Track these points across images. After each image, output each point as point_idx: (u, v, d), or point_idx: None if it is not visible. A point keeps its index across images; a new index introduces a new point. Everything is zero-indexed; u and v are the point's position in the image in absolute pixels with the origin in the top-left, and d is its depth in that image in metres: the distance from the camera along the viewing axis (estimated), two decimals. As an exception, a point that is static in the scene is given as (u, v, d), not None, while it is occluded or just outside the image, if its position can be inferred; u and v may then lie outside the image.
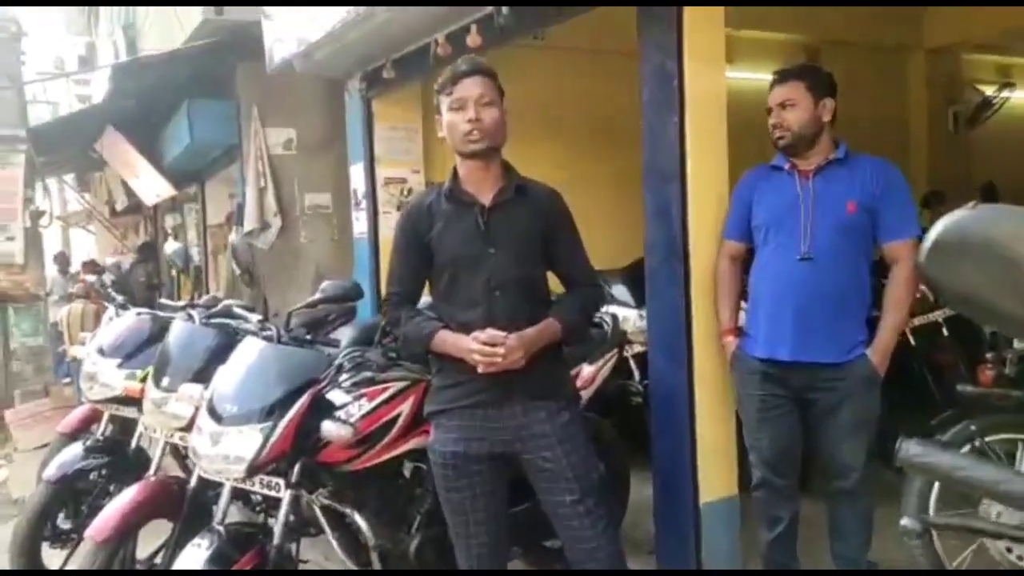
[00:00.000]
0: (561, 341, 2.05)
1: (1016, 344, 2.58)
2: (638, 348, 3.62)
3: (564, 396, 2.07)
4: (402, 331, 2.02)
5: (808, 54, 5.81)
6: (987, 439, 2.26)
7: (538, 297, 2.06)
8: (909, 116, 6.31)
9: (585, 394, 2.86)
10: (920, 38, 6.09)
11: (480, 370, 1.88)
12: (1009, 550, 2.19)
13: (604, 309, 3.62)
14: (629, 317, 3.65)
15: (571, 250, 2.12)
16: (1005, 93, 6.53)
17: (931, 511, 2.14)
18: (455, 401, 1.98)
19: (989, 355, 2.45)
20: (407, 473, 2.48)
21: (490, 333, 1.87)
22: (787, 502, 2.58)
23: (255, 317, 2.73)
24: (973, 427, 2.27)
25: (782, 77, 2.53)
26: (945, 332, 3.61)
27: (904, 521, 0.83)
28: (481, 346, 1.86)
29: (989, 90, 6.52)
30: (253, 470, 2.17)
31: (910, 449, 0.84)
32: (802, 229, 2.39)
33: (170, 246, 3.61)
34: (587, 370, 2.88)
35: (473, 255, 1.96)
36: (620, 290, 3.81)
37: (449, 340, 1.94)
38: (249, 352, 2.39)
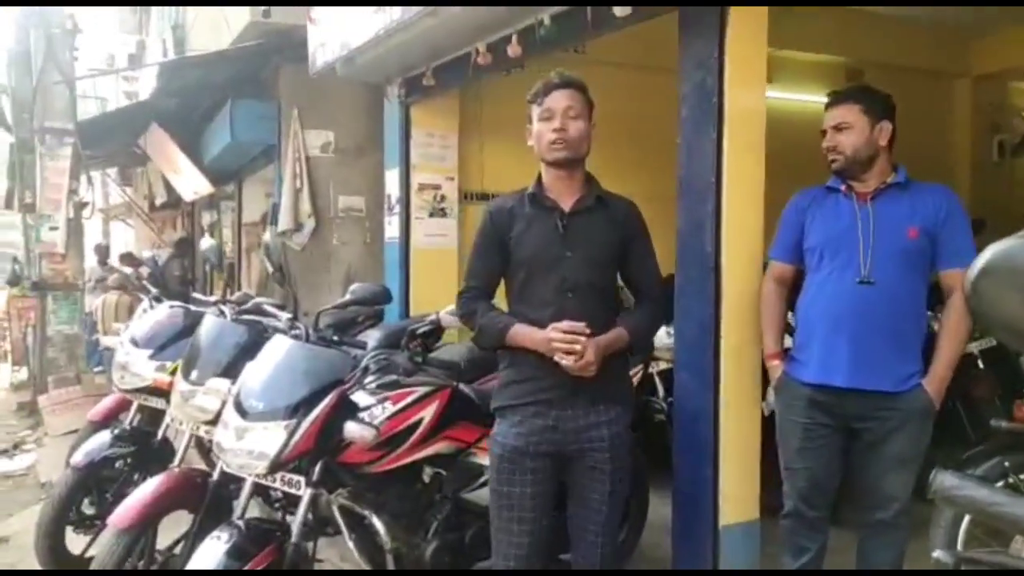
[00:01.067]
0: (627, 350, 2.13)
1: (1056, 380, 2.50)
2: (664, 365, 3.59)
3: (624, 403, 2.16)
4: (479, 323, 2.09)
5: (851, 76, 5.74)
6: (1021, 476, 2.19)
7: (607, 303, 2.13)
8: (953, 143, 6.19)
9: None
10: (967, 65, 5.98)
11: (557, 358, 1.95)
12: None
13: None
14: (657, 333, 3.62)
15: (643, 262, 2.20)
16: (1053, 123, 6.37)
17: (960, 545, 2.08)
18: (522, 397, 2.05)
19: (1026, 391, 2.38)
20: (427, 478, 2.48)
21: (570, 324, 1.95)
22: (816, 534, 2.51)
23: (285, 315, 2.76)
24: (1007, 463, 2.21)
25: (837, 99, 2.47)
26: (980, 364, 3.52)
27: (937, 554, 0.81)
28: (562, 334, 1.94)
29: (1036, 120, 6.37)
30: (275, 467, 2.18)
31: (945, 481, 0.82)
32: (861, 253, 2.32)
33: (204, 242, 3.67)
34: (612, 385, 2.85)
35: (550, 257, 2.05)
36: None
37: (523, 332, 2.02)
38: (277, 350, 2.41)
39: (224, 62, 5.85)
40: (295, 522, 2.22)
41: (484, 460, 2.50)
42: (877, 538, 2.43)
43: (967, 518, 2.15)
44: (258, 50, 5.61)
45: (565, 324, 1.95)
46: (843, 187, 2.44)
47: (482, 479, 2.48)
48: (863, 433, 2.37)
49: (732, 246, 2.67)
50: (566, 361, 1.93)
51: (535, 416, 2.03)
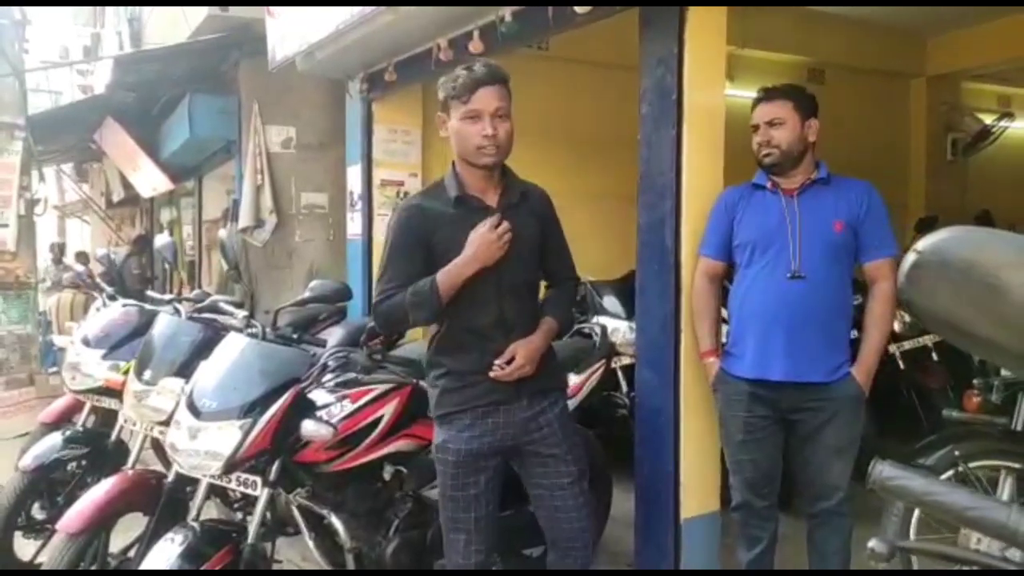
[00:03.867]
0: (557, 336, 2.17)
1: (1003, 372, 2.57)
2: (627, 360, 3.61)
3: (560, 387, 2.22)
4: (408, 301, 1.96)
5: (811, 76, 5.84)
6: (970, 465, 2.25)
7: (536, 294, 2.18)
8: (909, 141, 6.33)
9: (571, 404, 2.84)
10: (923, 65, 6.12)
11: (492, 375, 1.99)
12: (987, 579, 2.18)
13: (594, 320, 3.62)
14: (619, 329, 3.64)
15: (559, 248, 2.22)
16: (1004, 123, 6.54)
17: (911, 535, 2.13)
18: (469, 402, 2.02)
19: (976, 381, 2.44)
20: (387, 476, 2.45)
21: (499, 363, 1.98)
22: (767, 523, 2.56)
23: (241, 313, 2.71)
24: (957, 453, 2.26)
25: (769, 95, 2.52)
26: (934, 356, 3.60)
27: (872, 543, 0.81)
28: (500, 371, 1.98)
29: (988, 119, 6.54)
30: (231, 467, 2.14)
31: (884, 471, 0.82)
32: (791, 248, 2.38)
33: (160, 239, 3.57)
34: (574, 380, 2.86)
35: None
36: (611, 301, 3.81)
37: (449, 270, 1.95)
38: (232, 348, 2.37)
39: (182, 56, 5.72)
40: (252, 523, 2.19)
41: (445, 457, 2.48)
42: (825, 526, 2.49)
43: (918, 509, 2.21)
44: (217, 44, 5.51)
45: (505, 357, 1.98)
46: (769, 184, 2.49)
47: (443, 476, 2.46)
48: (798, 425, 2.43)
49: (692, 243, 2.69)
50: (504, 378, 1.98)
51: (484, 416, 2.02)
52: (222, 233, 4.87)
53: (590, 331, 3.22)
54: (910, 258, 0.71)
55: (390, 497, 2.45)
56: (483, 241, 1.93)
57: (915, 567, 2.30)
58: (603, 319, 3.60)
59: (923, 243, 0.71)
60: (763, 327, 2.41)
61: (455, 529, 2.06)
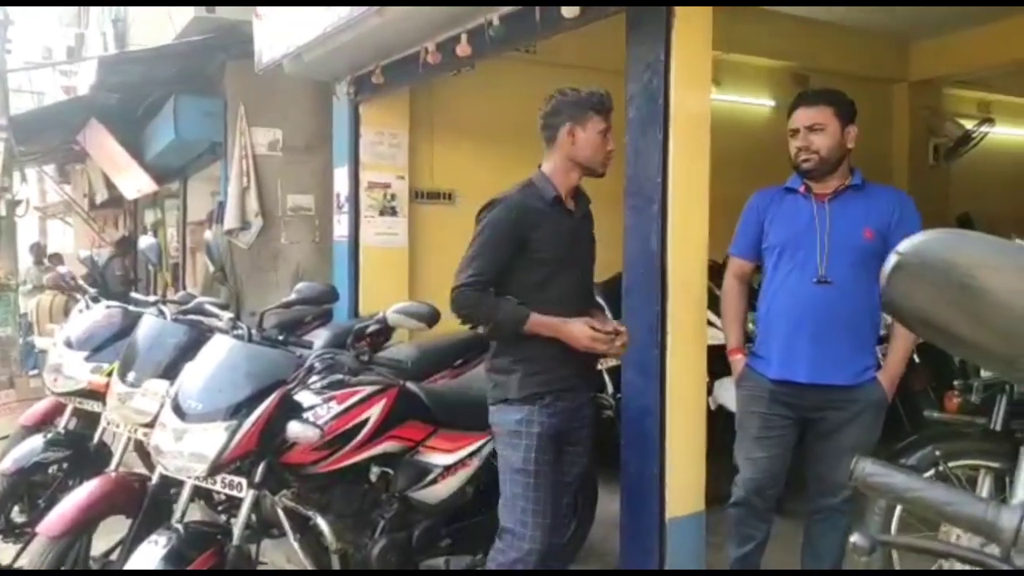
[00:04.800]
0: None
1: (983, 373, 2.61)
2: (613, 362, 3.61)
3: (597, 387, 2.59)
4: (499, 317, 2.19)
5: (796, 81, 5.89)
6: (950, 464, 2.27)
7: None
8: (891, 146, 6.41)
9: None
10: (906, 71, 6.20)
11: (590, 348, 2.21)
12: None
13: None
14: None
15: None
16: (984, 128, 6.64)
17: (893, 531, 2.16)
18: (549, 385, 2.24)
19: (956, 383, 2.47)
20: (373, 478, 2.45)
21: (613, 325, 2.31)
22: (763, 523, 2.59)
23: (227, 315, 2.69)
24: (937, 452, 2.29)
25: (810, 99, 2.50)
26: (916, 359, 3.64)
27: (854, 538, 0.83)
28: (596, 333, 2.20)
29: (969, 124, 6.63)
30: (216, 469, 2.13)
31: (866, 468, 0.83)
32: (819, 253, 2.39)
33: (144, 241, 3.54)
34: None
35: (570, 257, 2.29)
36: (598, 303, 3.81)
37: (547, 322, 2.20)
38: (218, 350, 2.36)
39: (167, 57, 5.68)
40: (237, 524, 2.17)
41: (431, 459, 2.49)
42: (823, 523, 2.53)
43: (900, 506, 2.24)
44: (203, 45, 5.47)
45: (610, 326, 2.28)
46: (802, 188, 2.50)
47: (430, 477, 2.46)
48: (819, 423, 2.46)
49: (678, 246, 2.71)
50: (602, 347, 2.23)
51: (557, 400, 2.24)
52: (208, 235, 4.83)
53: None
54: (891, 260, 0.72)
55: (376, 498, 2.44)
56: (584, 336, 2.20)
57: (896, 565, 2.33)
58: (590, 321, 3.60)
59: (904, 245, 0.72)
60: (789, 330, 2.43)
61: (533, 505, 2.18)
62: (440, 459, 2.49)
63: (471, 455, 2.56)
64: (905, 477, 0.83)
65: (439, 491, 2.47)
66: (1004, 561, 0.73)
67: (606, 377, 3.69)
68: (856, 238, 2.38)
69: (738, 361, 2.61)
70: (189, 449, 2.13)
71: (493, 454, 2.64)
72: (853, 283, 2.37)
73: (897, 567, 2.34)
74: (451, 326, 4.13)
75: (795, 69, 5.87)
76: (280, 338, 2.58)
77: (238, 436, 2.11)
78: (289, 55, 4.38)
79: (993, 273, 0.68)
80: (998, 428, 2.26)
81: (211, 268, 2.98)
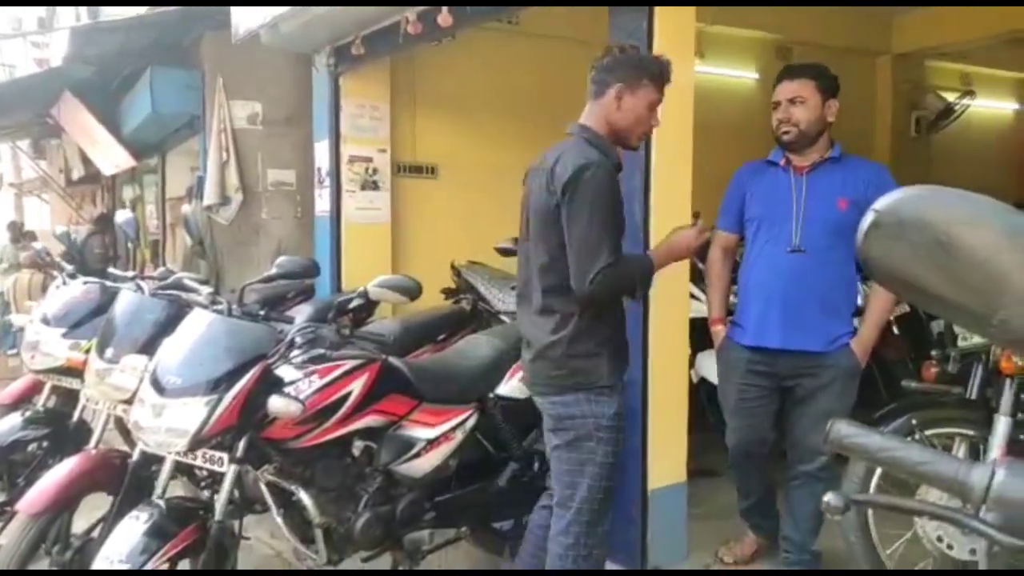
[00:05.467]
0: None
1: (960, 343, 2.64)
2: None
3: None
4: (635, 274, 2.10)
5: (780, 54, 5.87)
6: (927, 433, 2.31)
7: None
8: (875, 118, 6.42)
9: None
10: (888, 43, 6.19)
11: (699, 244, 2.22)
12: (940, 539, 2.25)
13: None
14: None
15: None
16: (966, 100, 6.67)
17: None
18: (625, 368, 2.21)
19: (934, 353, 2.51)
20: (357, 452, 2.44)
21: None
22: (759, 480, 2.74)
23: (206, 290, 2.66)
24: (914, 421, 2.33)
25: (793, 73, 2.55)
26: (895, 330, 3.68)
27: (827, 497, 0.84)
28: (694, 230, 2.18)
29: (951, 97, 6.65)
30: (196, 444, 2.11)
31: (841, 430, 0.84)
32: (794, 223, 2.45)
33: (120, 215, 3.48)
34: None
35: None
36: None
37: (662, 252, 2.17)
38: (196, 324, 2.33)
39: (143, 28, 5.54)
40: (219, 500, 2.16)
41: (415, 432, 2.49)
42: (801, 489, 2.59)
43: (879, 470, 2.27)
44: (179, 16, 5.33)
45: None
46: (782, 160, 2.56)
47: (413, 451, 2.46)
48: (795, 389, 2.54)
49: (661, 218, 2.71)
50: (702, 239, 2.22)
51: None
52: (185, 208, 4.75)
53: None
54: (868, 217, 0.72)
55: (360, 472, 2.44)
56: (691, 238, 2.16)
57: (872, 530, 2.37)
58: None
59: (880, 203, 0.72)
60: (764, 298, 2.52)
61: (612, 491, 2.16)
62: (424, 432, 2.49)
63: (454, 428, 2.56)
64: (880, 438, 0.84)
65: (423, 464, 2.47)
66: (974, 518, 0.74)
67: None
68: (830, 209, 2.43)
69: (718, 332, 2.70)
70: (168, 424, 2.11)
71: (477, 427, 2.66)
72: (826, 252, 2.43)
73: (873, 532, 2.38)
74: (435, 300, 4.14)
75: (779, 41, 5.85)
76: (261, 313, 2.55)
77: (218, 410, 2.10)
78: (265, 25, 4.28)
79: (969, 229, 0.68)
80: (974, 397, 2.30)
81: (190, 242, 2.93)
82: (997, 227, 0.68)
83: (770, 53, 5.84)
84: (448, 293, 4.13)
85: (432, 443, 2.49)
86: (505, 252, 3.89)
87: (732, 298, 2.90)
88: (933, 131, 6.57)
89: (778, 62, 5.79)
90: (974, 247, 0.67)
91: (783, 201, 2.49)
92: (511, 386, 2.72)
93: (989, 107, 7.35)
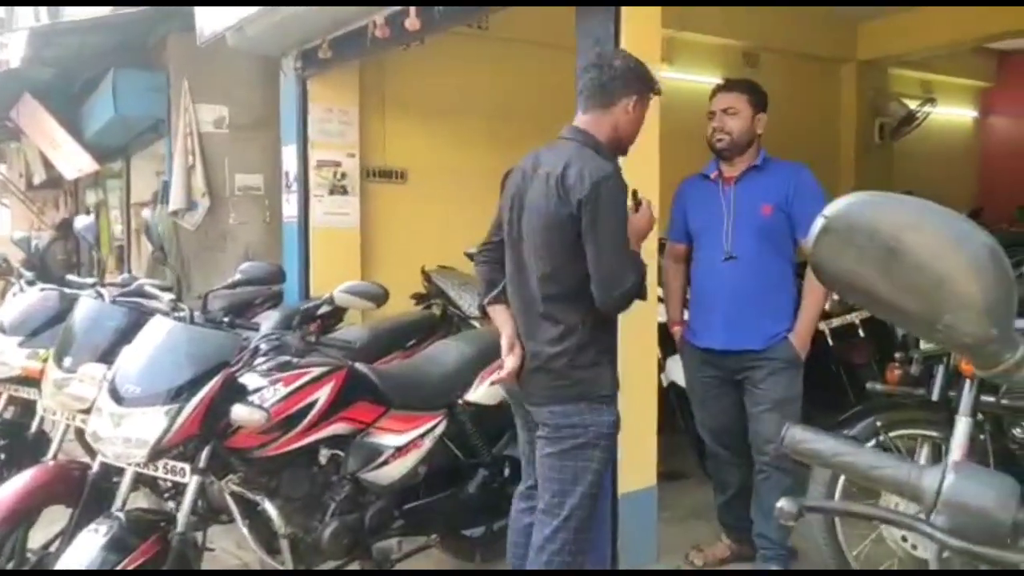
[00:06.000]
0: None
1: (922, 345, 2.68)
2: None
3: None
4: (639, 273, 2.09)
5: (747, 60, 5.94)
6: (891, 434, 2.35)
7: None
8: (839, 125, 6.53)
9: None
10: (853, 50, 6.30)
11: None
12: (904, 539, 2.29)
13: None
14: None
15: None
16: (927, 108, 6.82)
17: (836, 499, 2.22)
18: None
19: (897, 355, 2.54)
20: (323, 460, 2.41)
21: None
22: (735, 470, 2.82)
23: (168, 297, 2.61)
24: (878, 423, 2.36)
25: (729, 87, 2.77)
26: (861, 333, 3.73)
27: (780, 503, 0.84)
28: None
29: (913, 104, 6.79)
30: (157, 454, 2.07)
31: (796, 435, 0.84)
32: (724, 232, 2.63)
33: (80, 220, 3.41)
34: (513, 360, 2.85)
35: None
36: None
37: (632, 236, 2.15)
38: (157, 332, 2.28)
39: (105, 29, 5.43)
40: (181, 511, 2.12)
41: (382, 439, 2.46)
42: (767, 481, 2.67)
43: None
44: (143, 16, 5.24)
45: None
46: (714, 173, 2.75)
47: (381, 458, 2.44)
48: (744, 383, 2.69)
49: (628, 221, 2.71)
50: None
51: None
52: (146, 214, 4.67)
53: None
54: (818, 223, 0.72)
55: (327, 481, 2.41)
56: (645, 217, 2.21)
57: (840, 534, 2.39)
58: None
59: (830, 208, 0.72)
60: (706, 304, 2.73)
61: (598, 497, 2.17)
62: (391, 440, 2.46)
63: (423, 435, 2.54)
64: (834, 442, 0.84)
65: (391, 472, 2.45)
66: (924, 522, 0.74)
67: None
68: (756, 216, 2.61)
69: (676, 332, 2.92)
70: (128, 435, 2.06)
71: (446, 434, 2.64)
72: (758, 257, 2.61)
73: (840, 533, 2.40)
74: (405, 306, 4.11)
75: (746, 48, 5.91)
76: (225, 320, 2.51)
77: (179, 420, 2.05)
78: (231, 28, 4.23)
79: (917, 235, 0.69)
80: (935, 398, 2.33)
81: (151, 248, 2.88)
82: (943, 233, 0.69)
83: (738, 60, 5.90)
84: (418, 298, 4.10)
85: (400, 450, 2.47)
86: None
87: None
88: (896, 137, 6.71)
89: (746, 69, 5.86)
90: (921, 253, 0.68)
91: (715, 212, 2.68)
92: (481, 392, 2.71)
93: (949, 114, 7.52)
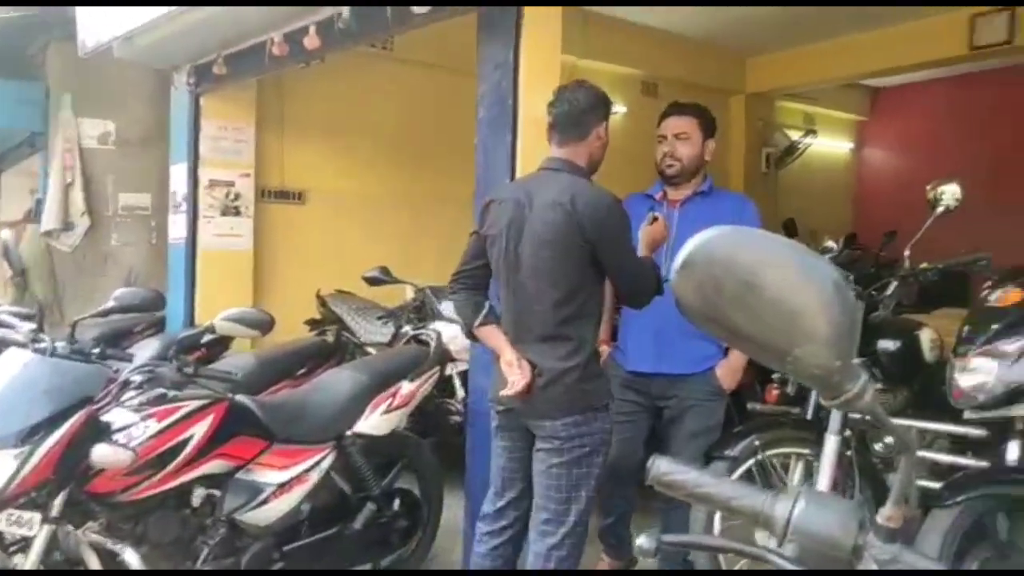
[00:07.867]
0: None
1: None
2: (463, 366, 3.58)
3: None
4: (652, 279, 2.26)
5: (646, 89, 6.15)
6: (768, 453, 2.41)
7: None
8: (729, 154, 6.83)
9: (403, 413, 2.77)
10: (742, 83, 6.63)
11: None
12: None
13: (431, 326, 3.57)
14: (457, 335, 3.60)
15: None
16: (808, 139, 7.26)
17: (716, 529, 2.25)
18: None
19: (775, 376, 2.64)
20: (197, 501, 2.25)
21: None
22: (623, 496, 2.78)
23: (27, 326, 2.40)
24: (757, 442, 2.42)
25: (681, 110, 2.71)
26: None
27: (639, 540, 0.84)
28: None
29: (795, 135, 7.21)
30: (2, 503, 1.87)
31: (660, 467, 0.84)
32: (663, 254, 2.55)
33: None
34: (406, 388, 2.78)
35: None
36: (447, 307, 3.76)
37: (645, 247, 2.34)
38: (11, 365, 2.09)
39: (-26, 35, 5.05)
40: (27, 563, 1.92)
41: (263, 476, 2.33)
42: (677, 510, 2.64)
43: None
44: (21, 23, 4.91)
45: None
46: (659, 195, 2.71)
47: (261, 497, 2.30)
48: (664, 411, 2.68)
49: (524, 247, 2.71)
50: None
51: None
52: (3, 234, 4.32)
53: (427, 338, 3.16)
54: (680, 257, 0.72)
55: (200, 524, 2.25)
56: (661, 227, 2.34)
57: (722, 564, 2.43)
58: (439, 325, 3.55)
59: (691, 243, 0.72)
60: (639, 327, 2.68)
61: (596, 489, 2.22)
62: (273, 476, 2.34)
63: (308, 470, 2.42)
64: (696, 474, 0.84)
65: (271, 511, 2.32)
66: (773, 552, 0.75)
67: (456, 382, 3.65)
68: None
69: (603, 351, 2.80)
70: (-32, 482, 1.85)
71: (333, 467, 2.53)
72: None
73: (720, 556, 2.44)
74: (299, 332, 3.96)
75: (645, 77, 6.12)
76: (95, 351, 2.32)
77: (29, 465, 1.87)
78: (118, 38, 4.00)
79: (772, 270, 0.70)
80: (809, 417, 2.43)
81: (10, 273, 2.64)
82: (794, 268, 0.70)
83: (636, 88, 6.11)
84: (312, 324, 3.97)
85: (283, 487, 2.34)
86: (373, 281, 3.79)
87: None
88: (780, 167, 7.09)
89: (645, 97, 6.07)
90: (776, 287, 0.69)
91: None
92: (371, 422, 2.62)
93: (828, 146, 8.03)
